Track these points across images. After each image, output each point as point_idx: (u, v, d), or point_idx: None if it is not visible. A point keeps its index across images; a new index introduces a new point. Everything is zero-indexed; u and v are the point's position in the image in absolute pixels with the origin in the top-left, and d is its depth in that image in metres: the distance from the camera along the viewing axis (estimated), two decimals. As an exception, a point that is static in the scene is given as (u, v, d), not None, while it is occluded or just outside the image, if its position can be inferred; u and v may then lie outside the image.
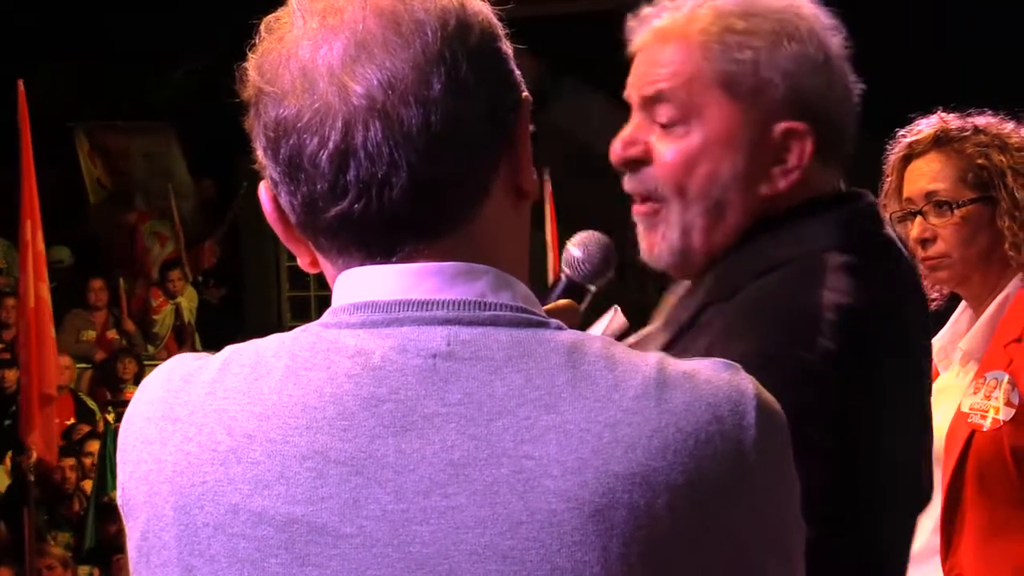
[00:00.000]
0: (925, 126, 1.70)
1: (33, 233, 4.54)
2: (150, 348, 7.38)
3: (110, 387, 6.66)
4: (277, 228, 0.71)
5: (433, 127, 0.65)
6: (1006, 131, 1.69)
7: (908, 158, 1.71)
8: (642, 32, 0.97)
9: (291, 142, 0.66)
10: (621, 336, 1.03)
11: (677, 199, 0.94)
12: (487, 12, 0.70)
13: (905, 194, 1.71)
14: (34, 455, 4.62)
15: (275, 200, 0.69)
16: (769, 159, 0.93)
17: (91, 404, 6.56)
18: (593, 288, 1.00)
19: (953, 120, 1.69)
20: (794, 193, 0.94)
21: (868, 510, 0.87)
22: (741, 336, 0.88)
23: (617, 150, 0.97)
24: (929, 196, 1.67)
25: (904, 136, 1.72)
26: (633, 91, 0.97)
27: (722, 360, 0.67)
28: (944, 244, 1.65)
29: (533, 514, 0.62)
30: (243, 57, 0.69)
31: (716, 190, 0.93)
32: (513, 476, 0.62)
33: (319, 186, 0.66)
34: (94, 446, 5.84)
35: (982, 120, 1.70)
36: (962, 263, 1.66)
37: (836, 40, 0.97)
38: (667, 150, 0.94)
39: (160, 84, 7.41)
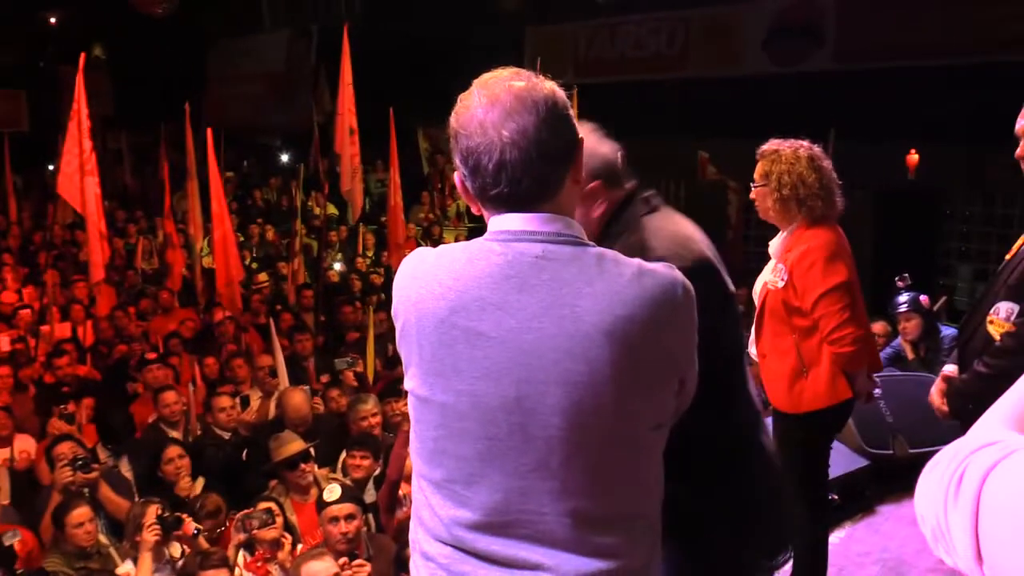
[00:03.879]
0: (766, 144, 3.16)
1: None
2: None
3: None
4: (464, 196, 1.45)
5: (541, 153, 1.37)
6: (788, 150, 3.05)
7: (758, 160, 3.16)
8: None
9: (473, 158, 1.38)
10: None
11: None
12: (562, 93, 1.42)
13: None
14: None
15: (463, 182, 1.43)
16: (590, 200, 1.89)
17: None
18: None
19: (772, 143, 3.11)
20: (612, 203, 1.91)
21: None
22: None
23: None
24: (754, 180, 3.16)
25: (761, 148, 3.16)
26: None
27: (667, 264, 1.42)
28: (758, 203, 3.18)
29: (580, 332, 1.32)
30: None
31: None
32: (571, 314, 1.33)
33: (488, 179, 1.38)
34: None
35: (783, 143, 3.09)
36: (764, 212, 3.16)
37: (594, 129, 1.88)
38: None
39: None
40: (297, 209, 10.82)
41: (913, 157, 8.95)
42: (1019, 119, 2.47)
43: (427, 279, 1.41)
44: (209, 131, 7.65)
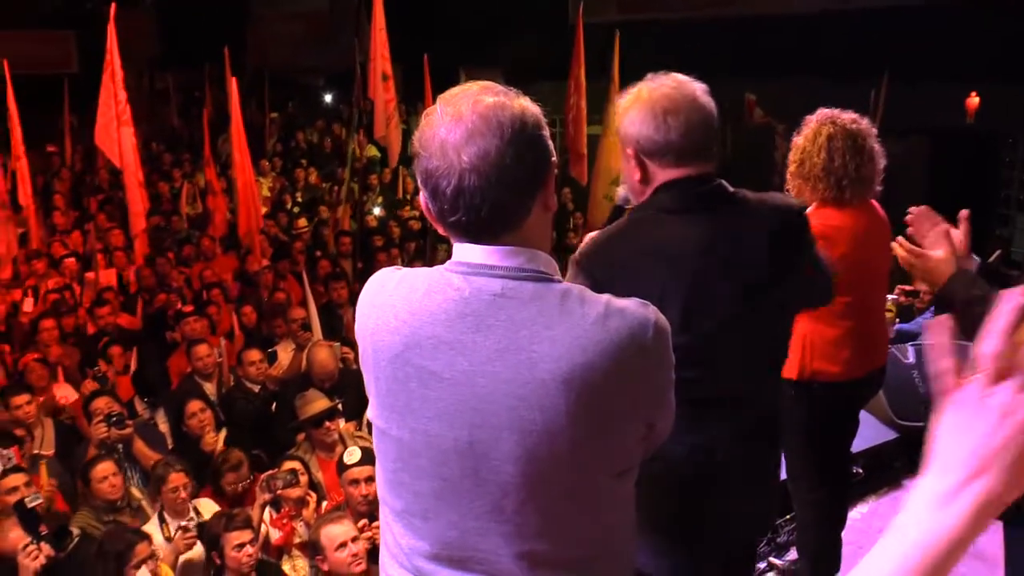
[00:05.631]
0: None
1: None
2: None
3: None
4: (429, 217, 1.33)
5: (503, 180, 1.25)
6: (814, 124, 2.88)
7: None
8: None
9: (432, 181, 1.28)
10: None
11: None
12: (535, 110, 1.30)
13: None
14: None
15: (427, 204, 1.32)
16: (632, 165, 1.92)
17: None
18: (627, 207, 2.05)
19: (818, 113, 2.92)
20: (646, 180, 1.90)
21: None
22: None
23: None
24: None
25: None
26: None
27: (641, 300, 1.30)
28: None
29: (535, 379, 1.22)
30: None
31: (627, 182, 1.98)
32: (527, 359, 1.23)
33: (445, 206, 1.28)
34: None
35: (820, 114, 2.90)
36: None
37: (665, 105, 1.83)
38: None
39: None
40: (345, 154, 10.75)
41: (973, 100, 8.48)
42: None
43: (384, 309, 1.35)
44: (235, 80, 7.56)
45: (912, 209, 2.14)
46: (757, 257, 1.85)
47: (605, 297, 1.28)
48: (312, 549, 3.60)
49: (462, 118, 1.26)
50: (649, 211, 1.88)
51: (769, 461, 2.07)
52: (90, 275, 7.85)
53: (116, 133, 6.78)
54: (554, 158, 1.33)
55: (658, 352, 1.29)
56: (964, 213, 2.08)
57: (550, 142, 1.32)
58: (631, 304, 1.28)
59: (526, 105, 1.30)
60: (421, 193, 1.33)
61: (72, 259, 8.00)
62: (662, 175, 1.87)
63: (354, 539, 3.53)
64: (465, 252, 1.31)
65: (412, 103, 12.69)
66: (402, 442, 1.35)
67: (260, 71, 13.47)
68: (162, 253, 8.07)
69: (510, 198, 1.27)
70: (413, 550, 1.39)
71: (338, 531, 3.56)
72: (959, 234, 2.09)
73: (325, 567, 3.48)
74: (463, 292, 1.28)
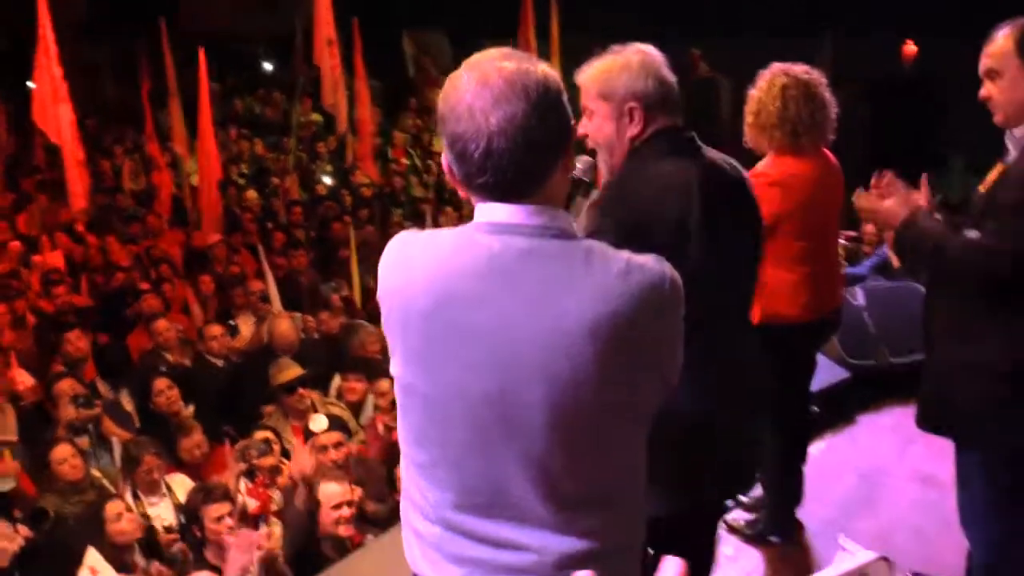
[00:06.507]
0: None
1: None
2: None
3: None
4: (451, 180, 1.40)
5: (529, 142, 1.31)
6: (768, 77, 3.00)
7: None
8: (579, 76, 2.04)
9: (460, 145, 1.33)
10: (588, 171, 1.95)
11: (598, 149, 2.05)
12: (555, 75, 1.36)
13: None
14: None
15: (450, 167, 1.38)
16: (626, 121, 2.00)
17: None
18: (587, 179, 1.90)
19: (770, 67, 3.04)
20: (644, 130, 2.00)
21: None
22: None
23: (578, 131, 1.96)
24: None
25: None
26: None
27: (656, 256, 1.38)
28: None
29: (562, 329, 1.30)
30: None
31: (607, 141, 2.04)
32: (555, 311, 1.31)
33: (473, 169, 1.33)
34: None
35: (774, 68, 3.02)
36: None
37: (653, 64, 1.99)
38: (587, 130, 2.05)
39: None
40: (290, 124, 10.56)
41: (910, 48, 8.68)
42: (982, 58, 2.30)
43: (412, 268, 1.40)
44: (202, 51, 7.35)
45: (875, 176, 2.38)
46: (746, 195, 2.06)
47: (625, 254, 1.36)
48: (309, 500, 3.66)
49: (488, 83, 1.31)
50: (651, 152, 1.99)
51: (754, 393, 2.14)
52: (37, 258, 7.67)
53: (54, 110, 6.59)
54: (573, 121, 1.40)
55: (674, 305, 1.39)
56: (924, 178, 2.37)
57: (568, 106, 1.38)
58: (649, 260, 1.37)
59: (547, 70, 1.35)
60: (444, 156, 1.38)
61: (17, 243, 7.79)
62: (660, 126, 2.01)
63: (349, 503, 3.61)
64: (491, 212, 1.37)
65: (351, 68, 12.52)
66: (429, 397, 1.40)
67: (196, 39, 13.09)
68: (109, 231, 7.89)
69: (536, 160, 1.33)
70: (440, 501, 1.44)
71: (335, 490, 3.64)
72: (920, 194, 2.32)
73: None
74: (491, 249, 1.35)
